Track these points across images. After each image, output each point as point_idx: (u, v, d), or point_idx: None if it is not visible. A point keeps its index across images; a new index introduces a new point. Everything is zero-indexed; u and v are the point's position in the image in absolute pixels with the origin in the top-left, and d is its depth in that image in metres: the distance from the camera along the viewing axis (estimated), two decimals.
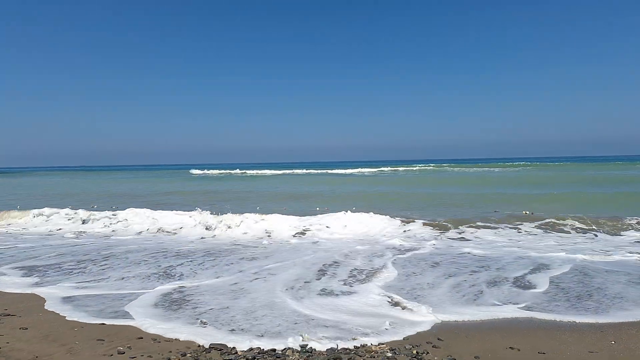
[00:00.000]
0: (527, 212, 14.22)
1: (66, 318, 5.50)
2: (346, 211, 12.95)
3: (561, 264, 8.04)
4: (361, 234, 11.60)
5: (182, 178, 50.88)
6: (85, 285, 7.12)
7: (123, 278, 7.56)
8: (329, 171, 61.70)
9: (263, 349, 4.40)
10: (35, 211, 14.73)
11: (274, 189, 30.16)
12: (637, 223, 11.73)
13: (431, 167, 69.00)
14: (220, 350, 4.42)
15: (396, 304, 5.92)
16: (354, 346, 4.48)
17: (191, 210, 14.07)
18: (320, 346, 4.46)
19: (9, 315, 5.59)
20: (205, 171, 72.64)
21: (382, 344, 4.56)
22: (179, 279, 7.45)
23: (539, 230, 11.59)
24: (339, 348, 4.43)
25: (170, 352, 4.37)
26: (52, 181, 47.91)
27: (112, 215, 13.95)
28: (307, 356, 4.24)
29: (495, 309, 5.70)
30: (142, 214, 13.66)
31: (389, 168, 66.96)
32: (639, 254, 8.72)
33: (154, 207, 15.00)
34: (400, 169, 64.77)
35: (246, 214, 12.87)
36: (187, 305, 6.02)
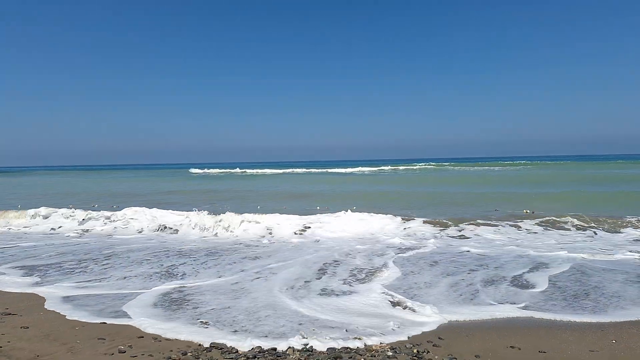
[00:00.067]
0: (528, 211, 14.23)
1: (67, 317, 5.50)
2: (347, 210, 12.95)
3: (561, 263, 8.04)
4: (362, 233, 11.60)
5: (182, 177, 50.88)
6: (85, 285, 7.13)
7: (125, 277, 7.56)
8: (329, 170, 61.70)
9: (263, 348, 4.40)
10: (32, 211, 14.63)
11: (274, 188, 30.16)
12: (637, 221, 11.72)
13: (431, 166, 68.99)
14: (220, 349, 4.43)
15: (399, 304, 5.91)
16: (356, 346, 4.48)
17: (192, 209, 14.06)
18: (321, 345, 4.46)
19: (10, 314, 5.60)
20: (205, 170, 72.61)
21: (383, 343, 4.57)
22: (181, 278, 7.45)
23: (539, 229, 11.59)
24: (339, 347, 4.43)
25: (171, 351, 4.37)
26: (53, 180, 47.92)
27: (114, 214, 13.94)
28: (308, 355, 4.24)
29: (495, 308, 5.70)
30: (143, 213, 13.64)
31: (389, 167, 66.95)
32: (638, 253, 8.72)
33: (155, 206, 14.99)
34: (401, 168, 64.75)
35: (245, 214, 12.85)
36: (187, 304, 6.02)
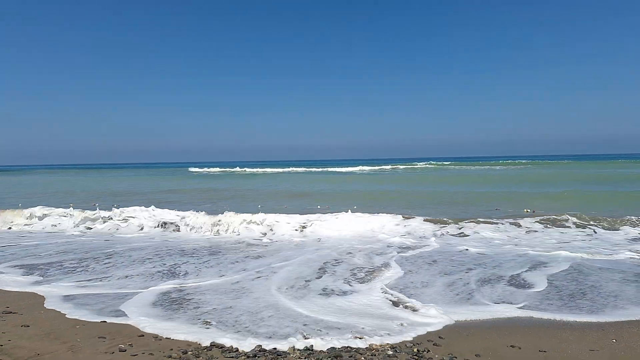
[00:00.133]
0: (528, 210, 14.23)
1: (67, 316, 5.51)
2: (347, 209, 12.95)
3: (562, 263, 8.04)
4: (363, 232, 11.61)
5: (181, 176, 50.88)
6: (86, 284, 7.14)
7: (127, 276, 7.56)
8: (329, 169, 61.68)
9: (264, 348, 4.41)
10: (29, 210, 14.53)
11: (274, 187, 30.16)
12: (638, 220, 11.72)
13: (432, 165, 68.97)
14: (221, 348, 4.43)
15: (402, 304, 5.89)
16: (357, 345, 4.48)
17: (193, 208, 14.05)
18: (322, 345, 4.46)
19: (10, 313, 5.60)
20: (205, 169, 72.59)
21: (383, 343, 4.57)
22: (182, 277, 7.46)
23: (539, 227, 11.58)
24: (340, 347, 4.43)
25: (172, 350, 4.38)
26: (53, 179, 47.94)
27: (114, 213, 13.90)
28: (308, 354, 4.25)
29: (495, 308, 5.71)
30: (145, 212, 13.63)
31: (390, 166, 66.93)
32: (638, 253, 8.72)
33: (156, 204, 14.98)
34: (401, 167, 64.72)
35: (245, 214, 12.82)
36: (188, 304, 6.03)
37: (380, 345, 4.46)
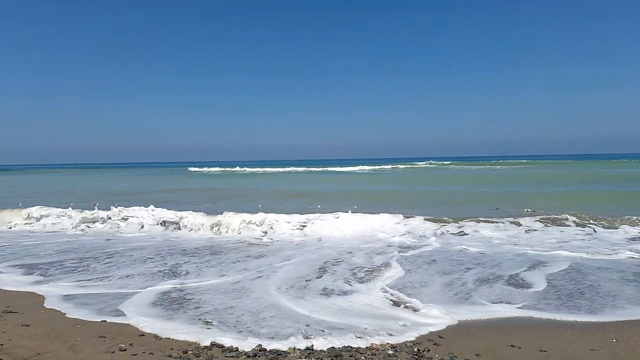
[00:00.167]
0: (528, 210, 14.23)
1: (68, 315, 5.51)
2: (348, 209, 12.95)
3: (562, 263, 8.04)
4: (364, 232, 11.61)
5: (181, 175, 50.90)
6: (86, 284, 7.14)
7: (128, 276, 7.56)
8: (330, 169, 61.67)
9: (265, 347, 4.41)
10: (25, 211, 14.47)
11: (274, 186, 30.16)
12: (638, 219, 11.72)
13: (432, 165, 68.95)
14: (221, 347, 4.44)
15: (404, 304, 5.88)
16: (357, 345, 4.48)
17: (193, 208, 14.06)
18: (322, 344, 4.46)
19: (10, 312, 5.61)
20: (205, 169, 72.58)
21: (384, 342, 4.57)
22: (183, 277, 7.46)
23: (539, 228, 11.58)
24: (340, 346, 4.43)
25: (172, 349, 4.38)
26: (53, 178, 47.94)
27: (116, 212, 13.87)
28: (309, 353, 4.25)
29: (496, 307, 5.71)
30: (146, 212, 13.61)
31: (390, 166, 66.90)
32: (638, 253, 8.72)
33: (156, 204, 14.98)
34: (401, 166, 64.72)
35: (245, 214, 12.82)
36: (188, 304, 6.03)
37: (381, 345, 4.46)
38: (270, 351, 4.31)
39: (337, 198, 20.24)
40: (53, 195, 24.35)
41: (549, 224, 11.84)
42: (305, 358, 4.17)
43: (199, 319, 5.33)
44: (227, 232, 12.26)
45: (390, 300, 6.06)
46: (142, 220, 13.24)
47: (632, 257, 8.42)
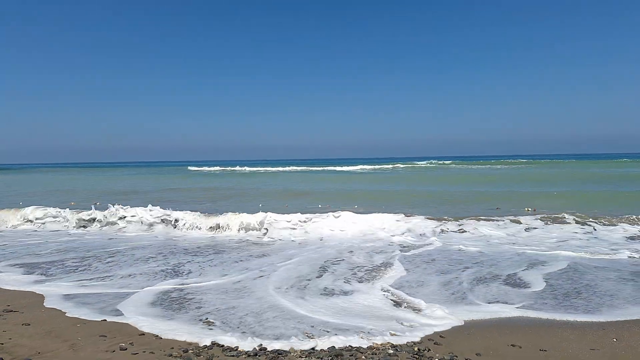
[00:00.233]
0: (529, 209, 14.23)
1: (68, 315, 5.52)
2: (349, 208, 12.95)
3: (563, 262, 8.05)
4: (365, 231, 11.61)
5: (182, 175, 50.85)
6: (87, 284, 7.14)
7: (130, 275, 7.56)
8: (330, 168, 61.64)
9: (265, 347, 4.41)
10: (22, 211, 14.36)
11: (275, 186, 30.15)
12: (638, 219, 11.72)
13: (433, 165, 68.94)
14: (222, 346, 4.44)
15: (407, 304, 5.87)
16: (358, 344, 4.48)
17: (194, 207, 14.05)
18: (323, 344, 4.46)
19: (11, 311, 5.61)
20: (205, 168, 72.57)
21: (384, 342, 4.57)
22: (184, 276, 7.46)
23: (540, 227, 11.58)
24: (341, 346, 4.43)
25: (172, 348, 4.38)
26: (53, 178, 47.94)
27: (113, 213, 13.82)
28: (309, 353, 4.25)
29: (496, 307, 5.71)
30: (145, 212, 13.60)
31: (391, 165, 66.89)
32: (638, 252, 8.72)
33: (157, 203, 14.98)
34: (402, 166, 64.70)
35: (245, 214, 12.80)
36: (189, 304, 6.03)
37: (381, 344, 4.46)
38: (270, 351, 4.31)
39: (338, 197, 20.24)
40: (54, 195, 24.36)
41: (549, 224, 11.83)
42: (306, 357, 4.17)
43: (200, 319, 5.33)
44: (228, 231, 12.26)
45: (394, 300, 6.05)
46: (142, 220, 13.24)
47: (632, 257, 8.42)
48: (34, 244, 10.67)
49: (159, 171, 65.14)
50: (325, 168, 62.28)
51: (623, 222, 11.55)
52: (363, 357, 4.15)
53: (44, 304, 5.99)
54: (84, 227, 13.47)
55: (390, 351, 4.28)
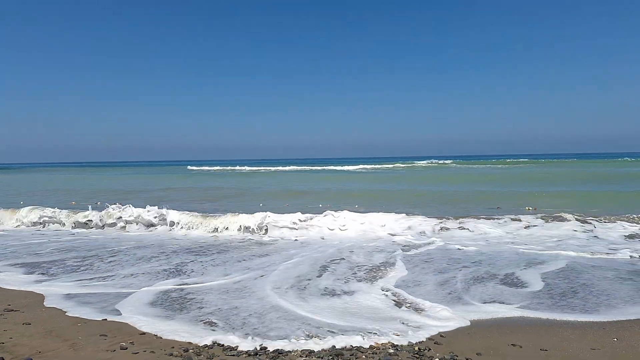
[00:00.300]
0: (530, 208, 14.24)
1: (69, 314, 5.52)
2: (350, 208, 12.95)
3: (565, 262, 8.05)
4: (366, 231, 11.61)
5: (181, 174, 50.85)
6: (88, 283, 7.15)
7: (132, 275, 7.56)
8: (331, 168, 61.62)
9: (266, 347, 4.41)
10: (19, 212, 14.31)
11: (275, 185, 30.15)
12: (638, 217, 11.72)
13: (434, 164, 68.92)
14: (222, 346, 4.44)
15: (410, 305, 5.85)
16: (359, 344, 4.47)
17: (194, 207, 14.05)
18: (324, 343, 4.46)
19: (12, 310, 5.61)
20: (205, 168, 72.55)
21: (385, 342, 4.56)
22: (185, 276, 7.46)
23: (541, 226, 11.57)
24: (342, 345, 4.43)
25: (173, 347, 4.38)
26: (54, 177, 47.95)
27: (111, 213, 13.78)
28: (310, 352, 4.25)
29: (497, 306, 5.70)
30: (145, 212, 13.59)
31: (391, 165, 66.88)
32: (637, 252, 8.72)
33: (157, 202, 15.00)
34: (402, 165, 64.70)
35: (246, 214, 12.78)
36: (190, 304, 6.03)
37: (382, 344, 4.46)
38: (271, 350, 4.31)
39: (338, 197, 20.24)
40: (54, 194, 24.38)
41: (550, 222, 11.82)
42: (307, 357, 4.17)
43: (201, 319, 5.33)
44: (229, 231, 12.25)
45: (397, 300, 6.03)
46: (140, 221, 13.23)
47: (632, 257, 8.42)
48: (36, 244, 10.68)
49: (159, 170, 65.16)
50: (326, 167, 62.25)
51: (623, 221, 11.55)
52: (363, 356, 4.15)
53: (45, 303, 5.99)
54: (86, 225, 13.47)
55: (391, 350, 4.28)
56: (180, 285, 6.86)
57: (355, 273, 7.53)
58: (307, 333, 4.78)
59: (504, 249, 9.40)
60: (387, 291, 6.42)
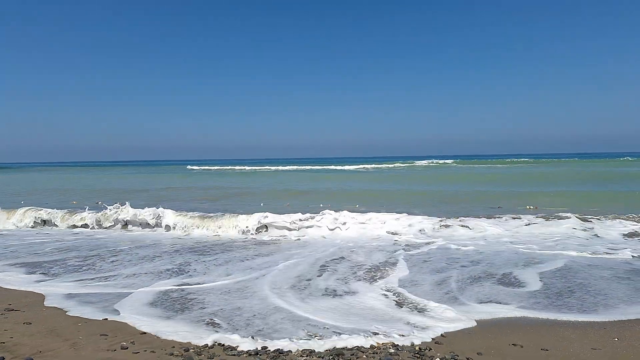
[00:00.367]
0: (531, 207, 14.25)
1: (69, 314, 5.52)
2: (350, 208, 12.96)
3: (566, 262, 8.04)
4: (367, 230, 11.61)
5: (181, 174, 50.86)
6: (89, 283, 7.15)
7: (134, 274, 7.56)
8: (331, 167, 61.60)
9: (267, 346, 4.41)
10: (17, 213, 14.29)
11: (275, 185, 30.15)
12: (639, 217, 11.72)
13: (434, 164, 68.91)
14: (222, 345, 4.44)
15: (413, 305, 5.83)
16: (360, 344, 4.47)
17: (194, 206, 14.04)
18: (324, 343, 4.46)
19: (12, 310, 5.62)
20: (205, 167, 72.52)
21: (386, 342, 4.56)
22: (186, 276, 7.45)
23: (542, 226, 11.56)
24: (342, 345, 4.43)
25: (173, 347, 4.38)
26: (55, 177, 47.96)
27: (109, 214, 13.74)
28: (310, 352, 4.25)
29: (498, 306, 5.70)
30: (145, 212, 13.58)
31: (392, 164, 66.87)
32: (637, 252, 8.71)
33: (156, 203, 15.02)
34: (403, 165, 64.67)
35: (241, 216, 12.76)
36: (192, 304, 6.03)
37: (383, 344, 4.46)
38: (272, 350, 4.31)
39: (339, 196, 20.24)
40: (55, 194, 24.39)
41: (551, 223, 11.81)
42: (307, 356, 4.16)
43: (202, 319, 5.33)
44: (228, 231, 12.25)
45: (400, 300, 6.00)
46: (139, 221, 13.23)
47: (633, 256, 8.41)
48: (37, 243, 10.69)
49: (159, 170, 65.19)
50: (326, 167, 62.24)
51: (623, 220, 11.54)
52: (364, 356, 4.15)
53: (45, 303, 5.99)
54: (94, 228, 13.43)
55: (392, 350, 4.28)
56: (182, 285, 6.86)
57: (358, 273, 7.52)
58: (308, 332, 4.78)
59: (505, 248, 9.39)
60: (389, 291, 6.41)
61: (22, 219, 14.11)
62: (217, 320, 5.22)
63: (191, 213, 13.26)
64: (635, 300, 5.86)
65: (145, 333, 4.82)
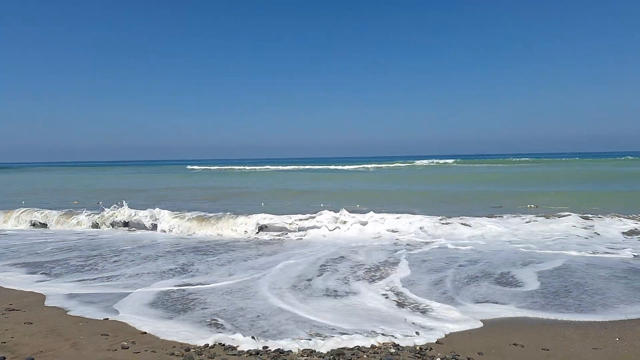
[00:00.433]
0: (532, 206, 14.27)
1: (70, 314, 5.52)
2: (351, 208, 12.95)
3: (566, 261, 8.04)
4: (367, 230, 11.61)
5: (181, 174, 50.83)
6: (90, 283, 7.15)
7: (136, 274, 7.57)
8: (332, 167, 61.57)
9: (267, 346, 4.41)
10: (14, 213, 14.32)
11: (276, 185, 30.14)
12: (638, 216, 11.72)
13: (435, 164, 68.87)
14: (223, 345, 4.44)
15: (415, 305, 5.83)
16: (361, 344, 4.47)
17: (194, 206, 14.02)
18: (325, 343, 4.46)
19: (13, 310, 5.62)
20: (205, 167, 72.50)
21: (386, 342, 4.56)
22: (188, 276, 7.45)
23: (542, 226, 11.55)
24: (343, 345, 4.43)
25: (174, 347, 4.38)
26: (55, 176, 47.96)
27: (107, 216, 13.72)
28: (311, 352, 4.25)
29: (498, 307, 5.70)
30: (145, 212, 13.58)
31: (392, 164, 66.84)
32: (637, 252, 8.71)
33: (156, 203, 15.02)
34: (403, 165, 64.65)
35: (240, 218, 12.74)
36: (193, 304, 6.03)
37: (383, 343, 4.45)
38: (273, 350, 4.31)
39: (340, 196, 20.23)
40: (55, 193, 24.39)
41: (551, 222, 11.80)
42: (308, 356, 4.16)
43: (203, 319, 5.33)
44: (229, 231, 12.25)
45: (403, 301, 6.00)
46: (138, 221, 13.23)
47: (635, 256, 8.41)
48: (39, 243, 10.69)
49: (159, 170, 65.18)
50: (326, 167, 62.20)
51: (623, 218, 11.54)
52: (365, 355, 4.15)
53: (46, 303, 6.00)
54: (96, 228, 13.43)
55: (392, 350, 4.28)
56: (184, 285, 6.86)
57: (359, 273, 7.52)
58: (311, 333, 4.78)
59: (505, 247, 9.39)
60: (391, 291, 6.41)
61: (16, 224, 14.00)
62: (219, 321, 5.22)
63: (189, 214, 13.19)
64: (635, 300, 5.86)
65: (145, 333, 4.82)
